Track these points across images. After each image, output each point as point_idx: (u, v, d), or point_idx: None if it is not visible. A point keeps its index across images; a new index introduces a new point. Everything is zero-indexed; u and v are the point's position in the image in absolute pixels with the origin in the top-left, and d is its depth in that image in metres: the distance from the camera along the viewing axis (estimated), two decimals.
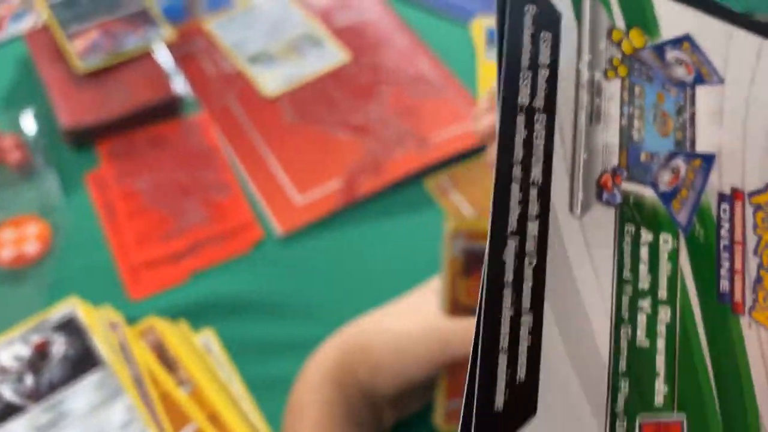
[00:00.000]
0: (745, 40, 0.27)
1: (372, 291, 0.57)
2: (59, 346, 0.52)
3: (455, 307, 0.42)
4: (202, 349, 0.53)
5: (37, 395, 0.50)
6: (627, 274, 0.23)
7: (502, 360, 0.20)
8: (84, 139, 0.65)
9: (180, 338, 0.53)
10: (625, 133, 0.24)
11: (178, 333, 0.53)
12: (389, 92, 0.70)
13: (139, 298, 0.56)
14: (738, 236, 0.25)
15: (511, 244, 0.21)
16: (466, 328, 0.42)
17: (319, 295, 0.57)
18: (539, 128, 0.23)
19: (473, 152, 0.66)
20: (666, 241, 0.24)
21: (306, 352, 0.52)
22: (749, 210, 0.26)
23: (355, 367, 0.44)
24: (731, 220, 0.25)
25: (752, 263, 0.25)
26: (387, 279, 0.58)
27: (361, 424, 0.44)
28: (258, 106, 0.69)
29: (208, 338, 0.54)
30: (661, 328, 0.23)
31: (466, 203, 0.63)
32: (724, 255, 0.25)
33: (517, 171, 0.22)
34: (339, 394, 0.43)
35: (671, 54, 0.26)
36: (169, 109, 0.67)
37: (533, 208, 0.22)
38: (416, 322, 0.43)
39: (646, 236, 0.24)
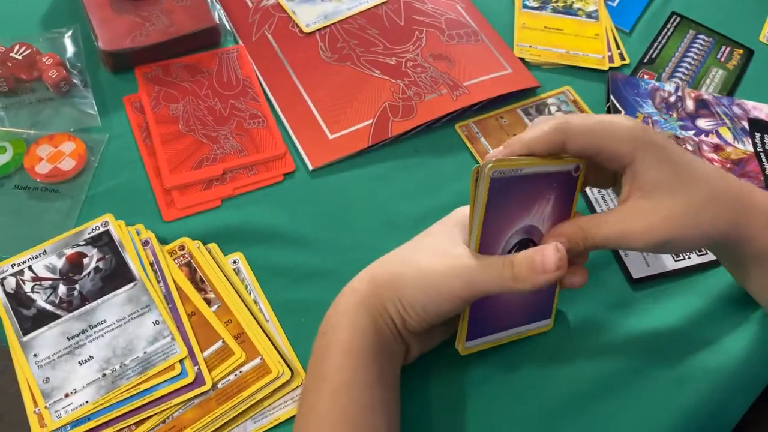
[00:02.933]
0: None
1: (396, 228, 0.58)
2: (92, 259, 0.53)
3: (483, 245, 0.43)
4: (230, 271, 0.54)
5: (69, 305, 0.51)
6: None
7: None
8: (122, 63, 0.65)
9: (210, 259, 0.54)
10: None
11: (208, 254, 0.54)
12: (425, 35, 0.70)
13: (172, 220, 0.57)
14: None
15: None
16: (491, 264, 0.42)
17: (346, 229, 0.58)
18: None
19: (504, 100, 0.66)
20: None
21: (329, 281, 0.53)
22: None
23: (386, 300, 0.45)
24: None
25: None
26: (412, 217, 0.59)
27: (389, 354, 0.45)
28: (294, 41, 0.69)
29: (237, 261, 0.55)
30: None
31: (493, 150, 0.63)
32: None
33: None
34: (370, 323, 0.44)
35: None
36: (207, 38, 0.67)
37: None
38: (442, 259, 0.44)
39: None
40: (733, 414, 0.54)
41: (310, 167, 0.61)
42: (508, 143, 0.44)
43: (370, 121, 0.63)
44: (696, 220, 0.43)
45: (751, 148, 0.64)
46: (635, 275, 0.56)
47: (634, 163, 0.43)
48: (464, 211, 0.46)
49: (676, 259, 0.57)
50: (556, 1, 0.77)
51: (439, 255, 0.44)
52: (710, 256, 0.57)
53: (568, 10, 0.76)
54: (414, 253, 0.46)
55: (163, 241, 0.55)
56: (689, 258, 0.57)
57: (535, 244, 0.45)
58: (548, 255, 0.42)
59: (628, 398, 0.50)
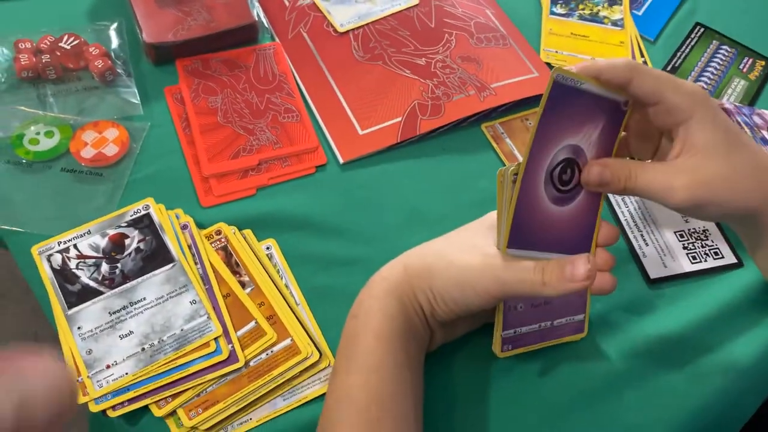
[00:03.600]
0: None
1: (422, 222, 0.61)
2: (134, 240, 0.56)
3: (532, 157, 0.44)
4: (264, 256, 0.57)
5: (111, 282, 0.54)
6: None
7: None
8: (164, 55, 0.68)
9: (245, 244, 0.57)
10: None
11: (243, 240, 0.57)
12: (454, 38, 0.72)
13: (209, 206, 0.60)
14: None
15: None
16: (523, 268, 0.45)
17: (373, 220, 0.60)
18: None
19: (529, 103, 0.68)
20: None
21: (356, 269, 0.56)
22: None
23: (417, 289, 0.47)
24: None
25: None
26: (438, 212, 0.61)
27: (416, 340, 0.48)
28: (328, 39, 0.72)
29: (270, 247, 0.58)
30: None
31: (519, 154, 0.65)
32: None
33: None
34: (400, 309, 0.47)
35: None
36: (246, 34, 0.70)
37: None
38: (475, 257, 0.46)
39: None
40: (746, 411, 0.56)
41: (341, 161, 0.64)
42: (579, 64, 0.44)
43: (400, 119, 0.66)
44: (736, 187, 0.44)
45: None
46: (652, 275, 0.58)
47: (691, 120, 0.44)
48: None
49: (692, 261, 0.59)
50: (582, 9, 0.79)
51: (475, 252, 0.46)
52: (726, 260, 0.59)
53: (595, 18, 0.78)
54: (449, 248, 0.48)
55: (200, 226, 0.58)
56: (705, 261, 0.59)
57: (579, 168, 0.46)
58: (578, 265, 0.44)
59: (644, 394, 0.52)
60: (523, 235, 0.45)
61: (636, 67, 0.44)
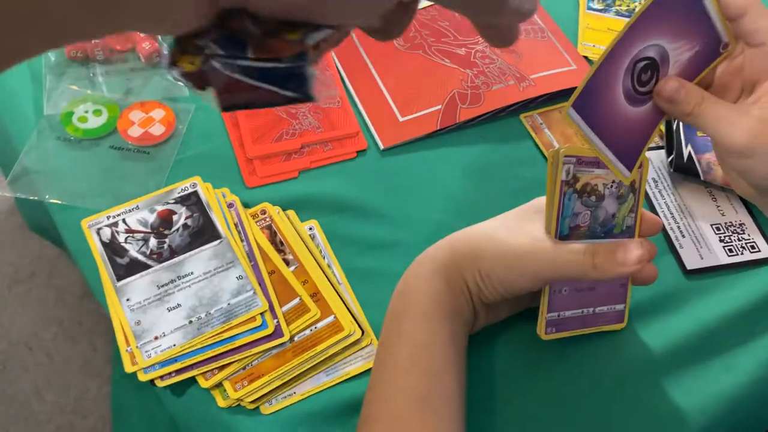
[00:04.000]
0: None
1: (460, 208, 0.61)
2: (181, 216, 0.57)
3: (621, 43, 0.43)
4: (307, 236, 0.58)
5: (159, 257, 0.56)
6: None
7: None
8: None
9: (288, 224, 0.58)
10: None
11: (287, 220, 0.58)
12: None
13: (253, 187, 0.61)
14: None
15: None
16: (573, 251, 0.45)
17: (413, 206, 0.61)
18: None
19: (567, 95, 0.69)
20: None
21: (396, 252, 0.57)
22: None
23: (465, 270, 0.48)
24: None
25: None
26: (476, 199, 0.62)
27: (462, 319, 0.48)
28: None
29: (312, 228, 0.59)
30: None
31: (556, 142, 0.66)
32: None
33: None
34: (447, 288, 0.48)
35: None
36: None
37: None
38: (524, 239, 0.47)
39: None
40: None
41: (381, 146, 0.65)
42: None
43: (439, 107, 0.67)
44: None
45: None
46: (689, 266, 0.58)
47: None
48: (543, 200, 0.48)
49: (729, 254, 0.59)
50: (619, 5, 0.79)
51: (524, 235, 0.47)
52: (762, 253, 0.59)
53: (631, 14, 0.78)
54: (497, 231, 0.49)
55: (245, 206, 0.59)
56: (742, 254, 0.59)
57: (658, 73, 0.45)
58: (631, 248, 0.44)
59: (678, 383, 0.53)
60: (589, 104, 0.43)
61: (756, 2, 0.43)
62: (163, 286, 0.54)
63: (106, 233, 0.57)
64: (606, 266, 0.44)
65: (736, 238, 0.60)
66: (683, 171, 0.63)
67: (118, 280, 0.54)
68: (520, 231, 0.47)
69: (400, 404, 0.44)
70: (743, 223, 0.62)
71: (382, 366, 0.47)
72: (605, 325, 0.53)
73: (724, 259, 0.59)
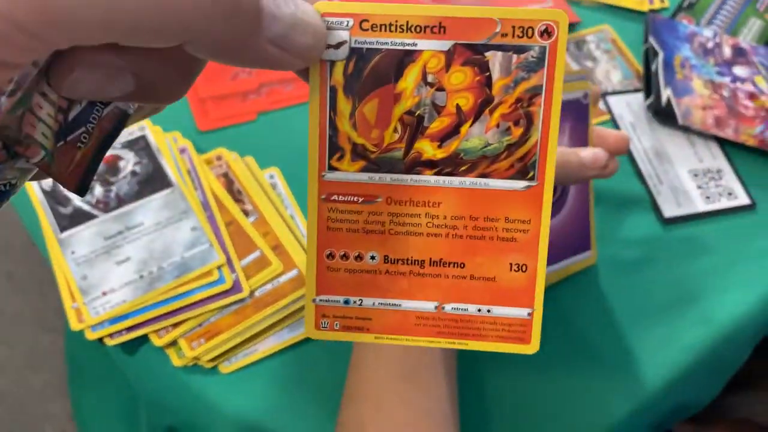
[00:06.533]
0: None
1: None
2: (129, 162, 0.53)
3: None
4: (267, 185, 0.54)
5: (106, 206, 0.51)
6: None
7: None
8: None
9: (247, 171, 0.54)
10: None
11: (245, 166, 0.54)
12: None
13: (207, 130, 0.56)
14: None
15: None
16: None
17: None
18: None
19: None
20: None
21: None
22: None
23: None
24: None
25: None
26: None
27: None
28: None
29: (273, 176, 0.55)
30: None
31: None
32: None
33: None
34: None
35: None
36: None
37: None
38: None
39: None
40: (745, 353, 0.55)
41: None
42: None
43: None
44: None
45: None
46: (666, 214, 0.56)
47: None
48: None
49: (706, 201, 0.57)
50: None
51: None
52: (739, 200, 0.57)
53: None
54: None
55: (198, 151, 0.55)
56: (719, 201, 0.57)
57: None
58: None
59: (653, 333, 0.51)
60: None
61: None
62: (110, 237, 0.50)
63: (47, 180, 0.52)
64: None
65: (713, 184, 0.58)
66: (661, 115, 0.61)
67: (62, 231, 0.50)
68: None
69: (387, 382, 0.41)
70: (721, 169, 0.60)
71: (364, 346, 0.43)
72: (574, 262, 0.51)
73: (702, 207, 0.57)
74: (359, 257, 0.26)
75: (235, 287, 0.49)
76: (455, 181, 0.25)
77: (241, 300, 0.49)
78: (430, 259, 0.26)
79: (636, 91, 0.64)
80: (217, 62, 0.21)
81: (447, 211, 0.25)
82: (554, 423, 0.48)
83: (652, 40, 0.65)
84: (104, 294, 0.48)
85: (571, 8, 0.68)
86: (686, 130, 0.61)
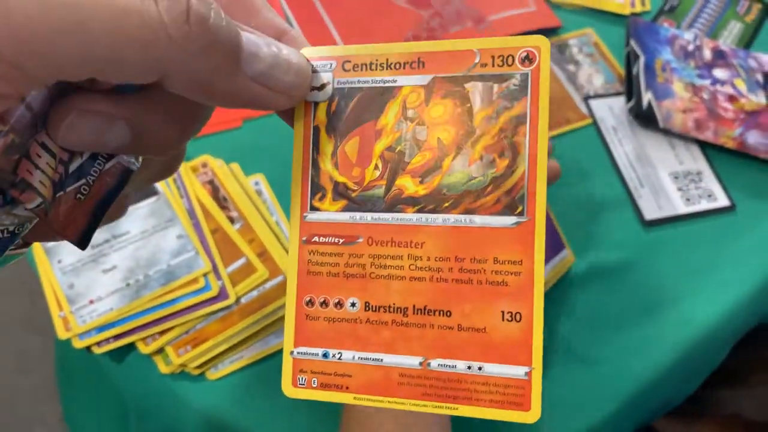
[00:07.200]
0: None
1: None
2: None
3: None
4: (252, 192, 0.54)
5: None
6: None
7: None
8: None
9: (232, 178, 0.54)
10: None
11: (230, 173, 0.54)
12: None
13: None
14: None
15: None
16: None
17: None
18: None
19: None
20: None
21: None
22: None
23: None
24: None
25: None
26: None
27: None
28: None
29: (258, 183, 0.55)
30: None
31: None
32: None
33: None
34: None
35: None
36: None
37: None
38: None
39: None
40: (724, 352, 0.56)
41: None
42: None
43: None
44: None
45: (764, 101, 0.65)
46: (647, 217, 0.57)
47: None
48: None
49: (687, 203, 0.58)
50: None
51: None
52: (719, 202, 0.58)
53: None
54: None
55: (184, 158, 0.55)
56: (699, 204, 0.58)
57: None
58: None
59: (635, 334, 0.52)
60: None
61: None
62: (96, 246, 0.50)
63: None
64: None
65: (693, 186, 0.59)
66: (643, 118, 0.62)
67: None
68: None
69: None
70: (701, 172, 0.60)
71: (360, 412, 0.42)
72: (558, 261, 0.51)
73: (682, 209, 0.58)
74: (339, 304, 0.25)
75: (222, 294, 0.49)
76: (438, 218, 0.24)
77: (228, 307, 0.49)
78: (414, 306, 0.24)
79: (618, 94, 0.65)
80: (200, 101, 0.21)
81: (430, 252, 0.24)
82: (539, 423, 0.48)
83: (633, 44, 0.66)
84: (91, 302, 0.48)
85: (554, 12, 0.69)
86: (667, 133, 0.62)
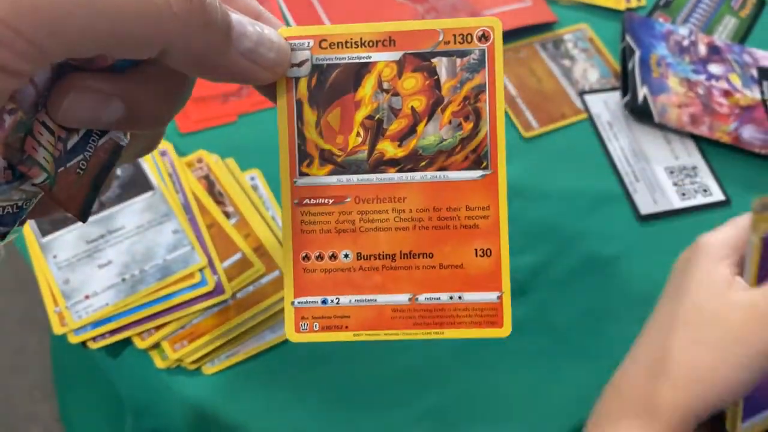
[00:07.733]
0: None
1: None
2: None
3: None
4: (248, 187, 0.54)
5: None
6: None
7: None
8: None
9: (228, 173, 0.54)
10: None
11: (226, 168, 0.54)
12: None
13: (187, 132, 0.57)
14: None
15: None
16: None
17: None
18: None
19: (521, 33, 0.66)
20: None
21: None
22: None
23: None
24: None
25: None
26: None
27: None
28: None
29: (254, 178, 0.55)
30: None
31: (511, 85, 0.64)
32: None
33: None
34: None
35: None
36: None
37: None
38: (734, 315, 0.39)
39: None
40: None
41: None
42: None
43: None
44: None
45: (759, 96, 0.65)
46: (643, 211, 0.57)
47: None
48: (717, 240, 0.42)
49: (682, 198, 0.58)
50: None
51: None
52: (714, 197, 0.59)
53: None
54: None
55: (180, 153, 0.55)
56: (695, 198, 0.58)
57: None
58: None
59: (630, 328, 0.52)
60: None
61: None
62: (92, 241, 0.50)
63: None
64: None
65: (689, 181, 0.60)
66: (638, 113, 0.62)
67: (43, 235, 0.50)
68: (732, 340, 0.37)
69: None
70: (696, 166, 0.61)
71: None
72: None
73: (677, 204, 0.58)
74: (333, 257, 0.28)
75: (217, 289, 0.49)
76: (417, 176, 0.27)
77: (224, 302, 0.49)
78: (401, 252, 0.28)
79: (613, 89, 0.65)
80: (194, 75, 0.23)
81: (412, 204, 0.27)
82: (533, 416, 0.49)
83: (628, 39, 0.66)
84: (87, 298, 0.48)
85: (549, 7, 0.69)
86: (662, 127, 0.62)
